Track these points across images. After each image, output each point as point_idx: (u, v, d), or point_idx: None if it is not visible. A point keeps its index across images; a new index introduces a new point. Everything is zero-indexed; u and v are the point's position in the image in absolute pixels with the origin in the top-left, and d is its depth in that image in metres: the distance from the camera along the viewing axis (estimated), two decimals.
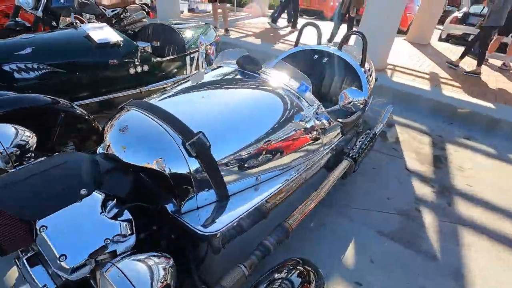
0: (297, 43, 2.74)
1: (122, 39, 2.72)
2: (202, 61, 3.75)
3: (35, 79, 2.33)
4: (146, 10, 4.76)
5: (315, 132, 1.63)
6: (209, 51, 3.84)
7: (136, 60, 2.82)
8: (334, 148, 1.89)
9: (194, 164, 1.15)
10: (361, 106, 1.58)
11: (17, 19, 3.50)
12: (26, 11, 3.56)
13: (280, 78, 1.69)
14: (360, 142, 2.13)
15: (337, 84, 2.47)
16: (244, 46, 5.66)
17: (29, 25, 3.54)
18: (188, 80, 1.65)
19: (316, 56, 2.57)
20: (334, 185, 1.72)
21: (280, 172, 1.46)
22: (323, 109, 1.69)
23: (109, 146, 1.19)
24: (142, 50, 2.81)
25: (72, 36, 2.61)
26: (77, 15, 2.95)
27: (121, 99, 2.74)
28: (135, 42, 2.81)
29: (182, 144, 1.14)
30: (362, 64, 2.43)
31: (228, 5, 11.19)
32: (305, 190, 1.66)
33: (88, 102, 2.58)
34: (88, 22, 2.82)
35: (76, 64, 2.50)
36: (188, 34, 3.52)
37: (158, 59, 3.04)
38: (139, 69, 2.87)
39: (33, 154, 1.40)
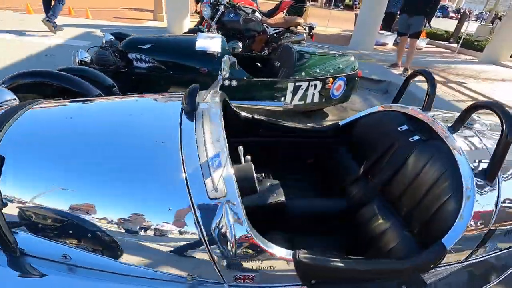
0: (397, 98, 1.69)
1: (220, 51, 2.73)
2: (314, 93, 3.19)
3: (143, 69, 2.80)
4: (310, 33, 4.65)
5: (196, 240, 0.89)
6: (329, 83, 3.21)
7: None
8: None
9: None
10: None
11: (199, 26, 4.41)
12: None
13: (202, 130, 1.03)
14: None
15: (420, 186, 1.28)
16: (413, 93, 4.32)
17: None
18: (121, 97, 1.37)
19: (403, 128, 1.46)
20: None
21: (119, 271, 0.93)
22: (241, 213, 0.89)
23: None
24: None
25: (185, 41, 2.91)
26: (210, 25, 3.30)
27: None
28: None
29: None
30: (489, 174, 1.12)
31: (454, 44, 9.01)
32: None
33: None
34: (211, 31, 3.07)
35: (174, 64, 2.78)
36: (308, 61, 3.07)
37: (251, 78, 2.84)
38: (226, 82, 2.81)
39: None
